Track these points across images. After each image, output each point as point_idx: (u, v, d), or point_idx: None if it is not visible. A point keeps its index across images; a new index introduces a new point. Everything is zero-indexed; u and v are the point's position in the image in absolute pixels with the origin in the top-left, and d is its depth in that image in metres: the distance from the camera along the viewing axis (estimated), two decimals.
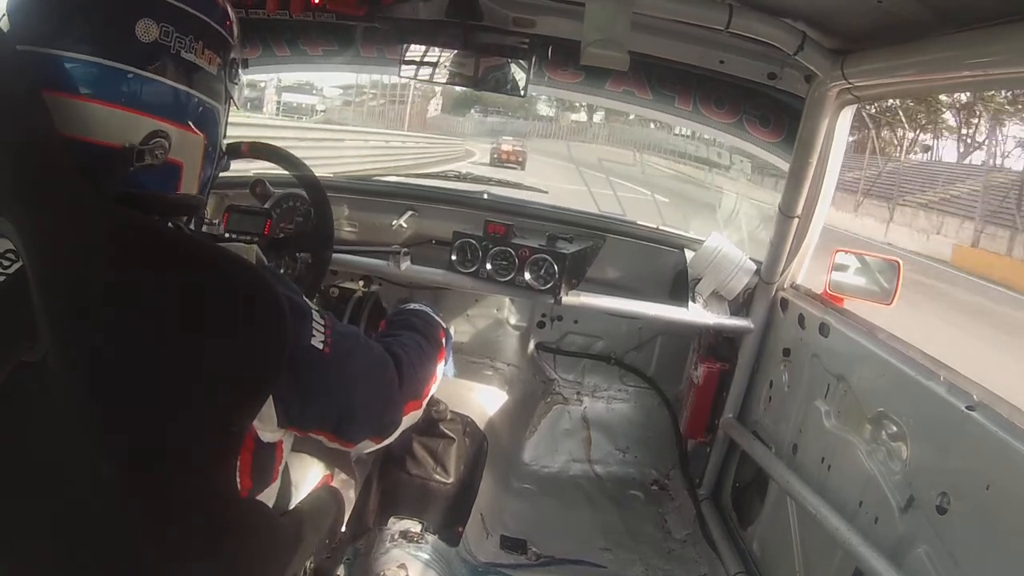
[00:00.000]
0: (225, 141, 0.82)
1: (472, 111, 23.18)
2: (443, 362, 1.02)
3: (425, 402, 0.94)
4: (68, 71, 0.64)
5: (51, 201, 0.61)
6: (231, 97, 0.79)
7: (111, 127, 0.66)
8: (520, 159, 16.03)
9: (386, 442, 0.89)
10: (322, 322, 0.75)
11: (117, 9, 0.66)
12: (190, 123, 0.72)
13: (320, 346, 0.73)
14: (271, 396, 0.70)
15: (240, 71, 0.80)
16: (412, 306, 1.11)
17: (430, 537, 1.44)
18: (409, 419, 0.91)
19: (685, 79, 1.76)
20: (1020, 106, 18.95)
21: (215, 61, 0.73)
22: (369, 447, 0.88)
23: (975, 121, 21.42)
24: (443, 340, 1.04)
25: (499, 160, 15.88)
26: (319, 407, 0.76)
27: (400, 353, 0.90)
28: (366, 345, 0.83)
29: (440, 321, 1.07)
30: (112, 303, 0.62)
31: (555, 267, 1.64)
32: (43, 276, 0.61)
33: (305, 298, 0.76)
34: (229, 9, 0.75)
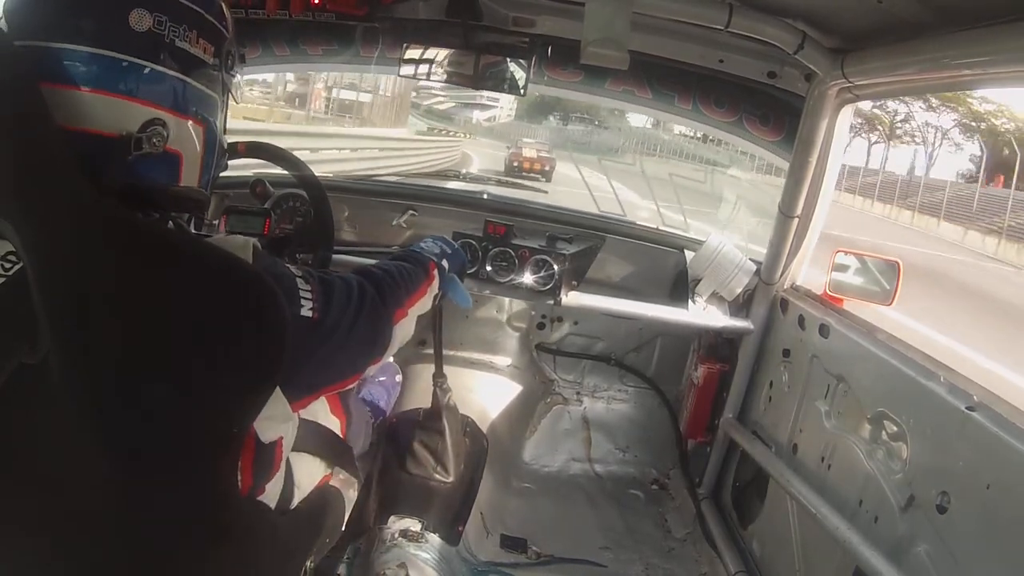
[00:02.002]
0: (227, 138, 0.82)
1: (551, 118, 19.01)
2: (431, 287, 1.03)
3: (411, 311, 0.95)
4: (64, 63, 0.64)
5: (51, 201, 0.61)
6: (229, 89, 0.80)
7: (108, 116, 0.66)
8: (546, 167, 12.74)
9: (385, 357, 0.92)
10: (308, 287, 0.75)
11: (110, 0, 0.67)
12: (187, 112, 0.72)
13: (309, 314, 0.74)
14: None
15: (238, 64, 0.80)
16: (411, 245, 1.13)
17: (430, 536, 1.44)
18: (401, 330, 0.92)
19: (685, 78, 1.76)
20: None
21: (210, 51, 0.73)
22: (372, 370, 0.91)
23: None
24: (433, 270, 1.05)
25: (518, 169, 12.51)
26: (315, 370, 0.78)
27: (374, 271, 0.92)
28: (344, 286, 0.83)
29: (431, 256, 1.08)
30: (111, 303, 0.62)
31: (555, 268, 1.64)
32: (43, 276, 0.61)
33: (287, 265, 0.77)
34: (223, 4, 0.76)
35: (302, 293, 0.74)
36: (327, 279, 0.80)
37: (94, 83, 0.65)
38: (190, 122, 0.73)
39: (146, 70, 0.68)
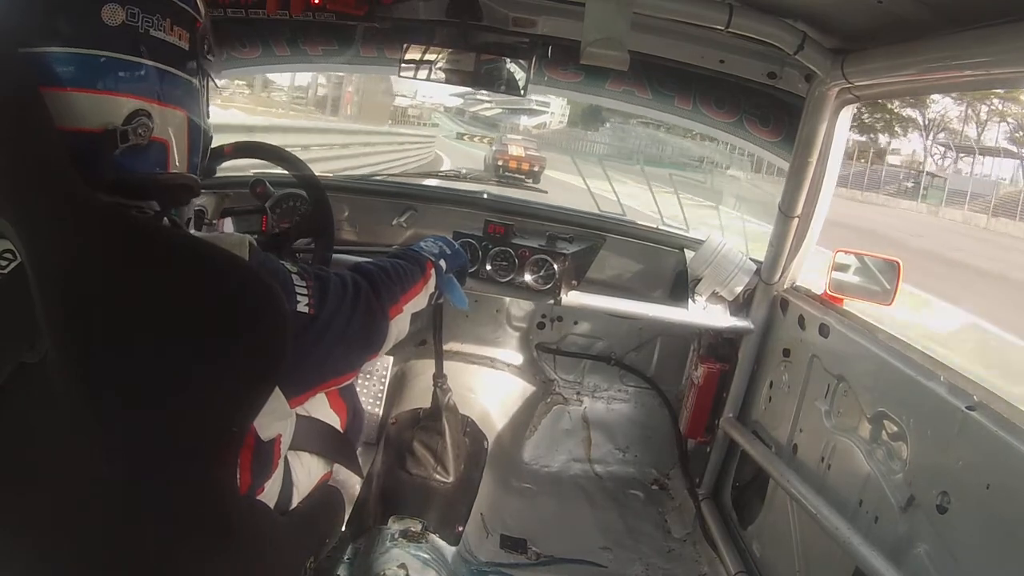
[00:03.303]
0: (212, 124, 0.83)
1: (607, 124, 16.78)
2: (427, 285, 1.03)
3: (406, 308, 0.95)
4: (43, 65, 0.64)
5: (48, 200, 0.62)
6: (208, 74, 0.80)
7: (92, 112, 0.66)
8: (535, 168, 11.15)
9: (380, 353, 0.92)
10: (303, 283, 0.76)
11: None
12: (169, 100, 0.72)
13: (305, 310, 0.75)
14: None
15: (213, 46, 0.80)
16: (411, 245, 1.13)
17: (430, 536, 1.44)
18: (396, 326, 0.93)
19: (685, 78, 1.76)
20: None
21: (185, 37, 0.74)
22: (368, 364, 0.91)
23: None
24: (430, 269, 1.05)
25: (502, 169, 10.78)
26: (312, 366, 0.79)
27: (369, 267, 0.93)
28: (339, 282, 0.84)
29: (428, 255, 1.08)
30: (109, 302, 0.62)
31: (555, 267, 1.64)
32: (41, 276, 0.61)
33: (283, 262, 0.78)
34: None
35: (297, 289, 0.75)
36: (322, 275, 0.81)
37: (74, 81, 0.65)
38: (173, 109, 0.73)
39: (124, 63, 0.68)
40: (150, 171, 0.72)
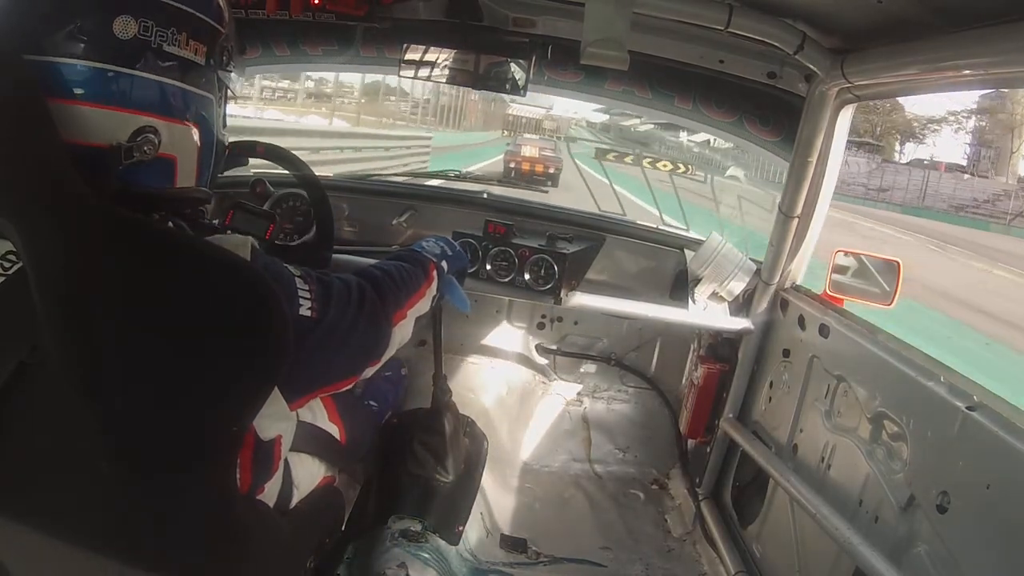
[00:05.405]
0: (236, 138, 0.82)
1: None
2: (430, 289, 1.02)
3: (410, 313, 0.94)
4: (51, 75, 0.63)
5: (50, 202, 0.62)
6: (226, 86, 0.78)
7: (98, 127, 0.65)
8: (550, 169, 10.36)
9: (383, 359, 0.90)
10: (306, 287, 0.75)
11: (94, 8, 0.65)
12: (179, 115, 0.71)
13: (308, 313, 0.74)
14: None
15: (233, 58, 0.78)
16: (412, 244, 1.12)
17: (430, 536, 1.44)
18: (400, 332, 0.91)
19: (685, 78, 1.76)
20: None
21: (202, 51, 0.72)
22: (370, 372, 0.89)
23: None
24: (432, 271, 1.04)
25: (515, 173, 9.98)
26: (313, 370, 0.78)
27: (374, 271, 0.92)
28: (343, 287, 0.83)
29: (431, 257, 1.06)
30: (111, 303, 0.62)
31: (555, 267, 1.65)
32: (42, 276, 0.61)
33: (286, 265, 0.77)
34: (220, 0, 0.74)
35: (300, 292, 0.74)
36: (325, 279, 0.80)
37: (80, 94, 0.64)
38: (183, 125, 0.72)
39: (133, 78, 0.66)
40: (155, 186, 0.71)
